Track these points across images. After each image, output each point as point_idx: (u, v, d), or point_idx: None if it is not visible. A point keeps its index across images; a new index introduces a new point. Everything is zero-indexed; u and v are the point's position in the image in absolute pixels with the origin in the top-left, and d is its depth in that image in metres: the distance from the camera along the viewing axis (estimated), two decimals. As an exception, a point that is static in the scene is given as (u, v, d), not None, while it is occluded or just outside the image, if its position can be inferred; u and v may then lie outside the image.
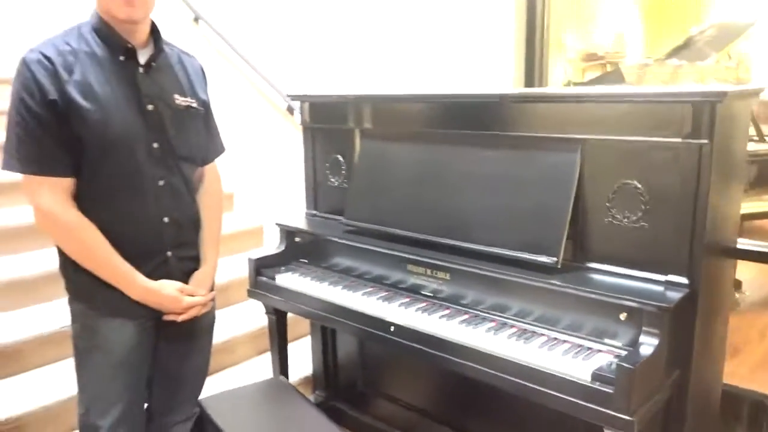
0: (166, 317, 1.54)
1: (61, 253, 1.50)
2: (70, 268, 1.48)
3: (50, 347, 2.27)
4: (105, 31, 1.43)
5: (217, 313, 1.77)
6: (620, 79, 4.73)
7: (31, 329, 2.25)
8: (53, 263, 2.45)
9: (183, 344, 1.63)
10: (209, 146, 1.69)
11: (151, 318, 1.52)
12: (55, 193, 1.39)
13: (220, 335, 2.20)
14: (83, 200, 1.43)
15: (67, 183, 1.40)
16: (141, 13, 1.43)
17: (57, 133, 1.36)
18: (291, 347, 2.24)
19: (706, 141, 1.35)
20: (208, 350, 1.73)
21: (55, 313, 2.35)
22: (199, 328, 1.64)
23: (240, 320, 2.60)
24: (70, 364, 2.21)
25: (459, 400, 1.96)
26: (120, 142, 1.42)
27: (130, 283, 1.46)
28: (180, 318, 1.55)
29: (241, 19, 3.32)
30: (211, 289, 1.65)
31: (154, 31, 1.51)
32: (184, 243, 1.58)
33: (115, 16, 1.41)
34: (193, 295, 1.56)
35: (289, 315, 2.12)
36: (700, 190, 1.38)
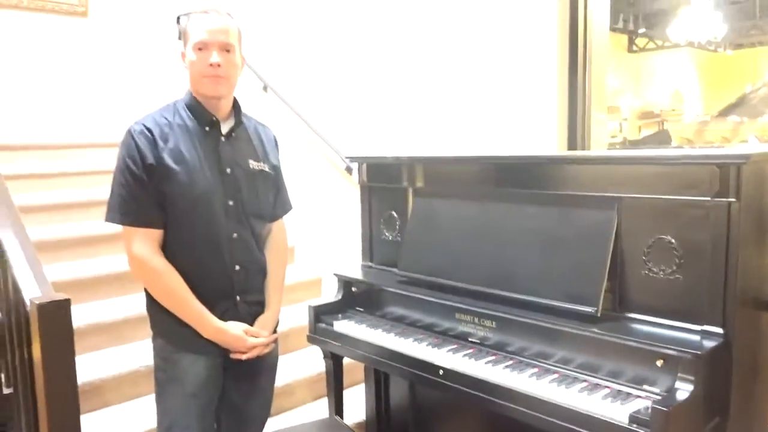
0: (233, 355, 1.70)
1: (148, 295, 1.71)
2: (155, 308, 1.69)
3: (127, 386, 2.48)
4: (195, 106, 1.69)
5: (279, 358, 1.93)
6: (667, 139, 4.81)
7: (111, 369, 2.47)
8: (132, 309, 2.72)
9: (247, 382, 1.79)
10: (277, 204, 1.88)
11: (220, 355, 1.70)
12: (146, 242, 1.62)
13: (280, 379, 2.34)
14: (169, 249, 1.65)
15: (157, 234, 1.63)
16: (225, 90, 1.69)
17: (152, 192, 1.60)
18: (345, 393, 2.37)
19: (734, 199, 1.45)
20: (270, 389, 1.89)
21: (133, 355, 2.58)
22: (262, 367, 1.81)
23: (299, 366, 2.76)
24: (144, 401, 2.43)
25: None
26: (201, 200, 1.64)
27: (203, 322, 1.65)
28: (244, 357, 1.70)
29: (304, 87, 3.63)
30: (274, 332, 1.81)
31: (236, 106, 1.77)
32: (251, 289, 1.76)
33: (204, 93, 1.67)
34: (257, 336, 1.72)
35: (345, 362, 2.27)
36: (730, 245, 1.47)
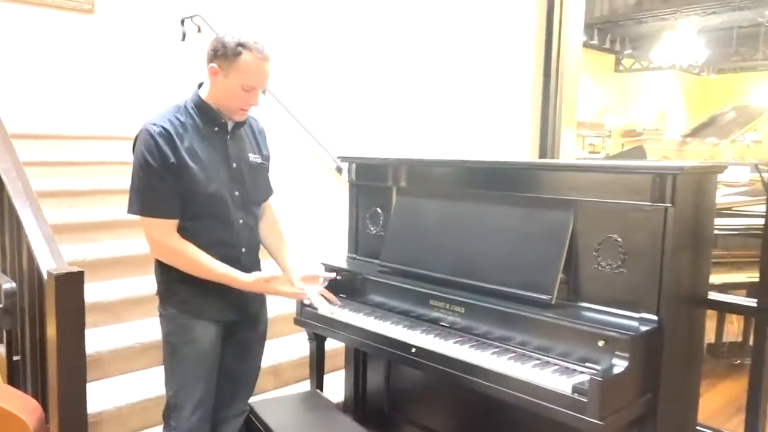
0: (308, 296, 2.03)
1: (163, 270, 1.87)
2: (171, 280, 1.86)
3: (124, 360, 2.67)
4: (204, 109, 1.85)
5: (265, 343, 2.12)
6: (642, 155, 5.09)
7: (109, 344, 2.66)
8: (130, 291, 2.91)
9: (241, 349, 2.00)
10: (266, 187, 2.08)
11: (224, 323, 1.90)
12: (164, 229, 1.80)
13: (267, 361, 2.55)
14: (189, 237, 1.82)
15: (173, 222, 1.81)
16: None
17: (172, 186, 1.77)
18: (327, 378, 2.58)
19: (670, 204, 1.69)
20: (260, 355, 2.09)
21: (129, 333, 2.77)
22: (254, 337, 2.03)
23: (285, 350, 2.96)
24: (139, 375, 2.63)
25: (474, 425, 2.24)
26: (216, 192, 1.84)
27: (234, 278, 1.83)
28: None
29: (299, 91, 3.85)
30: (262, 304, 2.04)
31: None
32: (252, 264, 1.96)
33: (229, 113, 1.87)
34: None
35: (327, 349, 2.49)
36: (666, 244, 1.70)
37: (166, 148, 1.76)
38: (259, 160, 2.00)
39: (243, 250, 1.92)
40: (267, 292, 1.98)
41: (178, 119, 1.83)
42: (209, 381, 1.88)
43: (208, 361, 1.88)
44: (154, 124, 1.78)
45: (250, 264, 1.94)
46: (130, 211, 1.81)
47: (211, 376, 1.89)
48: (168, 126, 1.79)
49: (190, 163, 1.79)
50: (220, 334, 1.90)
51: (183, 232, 1.82)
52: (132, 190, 1.81)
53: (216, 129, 1.88)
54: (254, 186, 1.97)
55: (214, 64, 1.80)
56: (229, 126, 1.91)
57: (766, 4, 7.15)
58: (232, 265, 1.86)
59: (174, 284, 1.86)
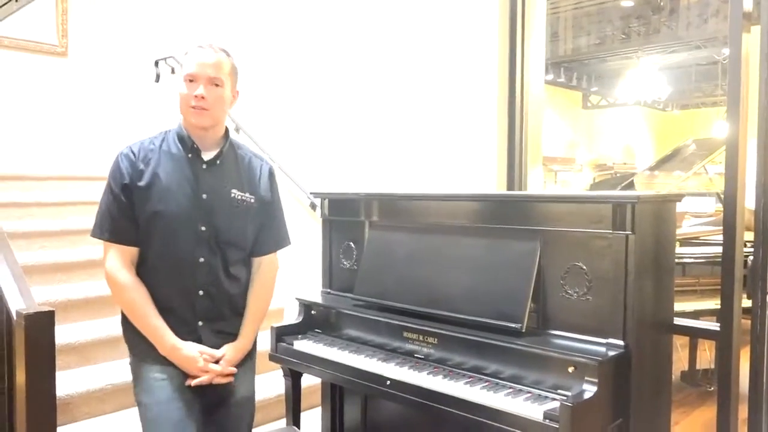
0: (186, 382, 1.74)
1: (123, 315, 1.82)
2: (126, 325, 1.82)
3: (95, 402, 2.62)
4: (182, 135, 1.82)
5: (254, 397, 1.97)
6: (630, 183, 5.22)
7: (79, 386, 2.61)
8: (100, 332, 2.87)
9: (207, 415, 1.81)
10: (267, 238, 1.94)
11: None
12: (118, 257, 1.74)
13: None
14: (141, 266, 1.78)
15: (130, 251, 1.76)
16: (208, 121, 1.79)
17: (127, 211, 1.74)
18: (304, 415, 2.56)
19: (630, 232, 1.75)
20: (247, 423, 1.92)
21: (100, 375, 2.72)
22: (227, 401, 1.84)
23: (260, 388, 2.91)
24: (110, 418, 2.58)
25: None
26: (171, 222, 1.74)
27: (160, 337, 1.73)
28: (194, 382, 1.73)
29: (272, 130, 3.90)
30: (246, 367, 1.89)
31: (226, 137, 1.88)
32: (217, 317, 1.82)
33: (188, 122, 1.81)
34: (214, 362, 1.76)
35: (305, 387, 2.47)
36: (628, 270, 1.76)
37: (125, 170, 1.75)
38: (246, 198, 1.86)
39: (200, 292, 1.79)
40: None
41: (152, 143, 1.81)
42: (185, 423, 1.73)
43: (174, 412, 1.72)
44: (127, 147, 1.80)
45: (212, 315, 1.81)
46: (92, 233, 1.80)
47: (188, 418, 1.74)
48: (136, 149, 1.79)
49: (146, 183, 1.74)
50: (182, 379, 1.76)
51: (139, 266, 1.77)
52: (96, 213, 1.80)
53: (190, 156, 1.81)
54: (228, 224, 1.82)
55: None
56: (207, 155, 1.83)
57: (721, 44, 7.50)
58: (185, 309, 1.78)
59: (130, 326, 1.80)
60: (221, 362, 1.80)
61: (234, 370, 1.83)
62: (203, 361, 1.76)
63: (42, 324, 1.91)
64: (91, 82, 5.00)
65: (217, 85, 1.78)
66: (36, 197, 3.84)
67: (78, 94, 4.94)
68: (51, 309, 1.95)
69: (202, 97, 1.75)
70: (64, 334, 2.83)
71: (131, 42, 5.01)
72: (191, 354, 1.75)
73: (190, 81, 1.77)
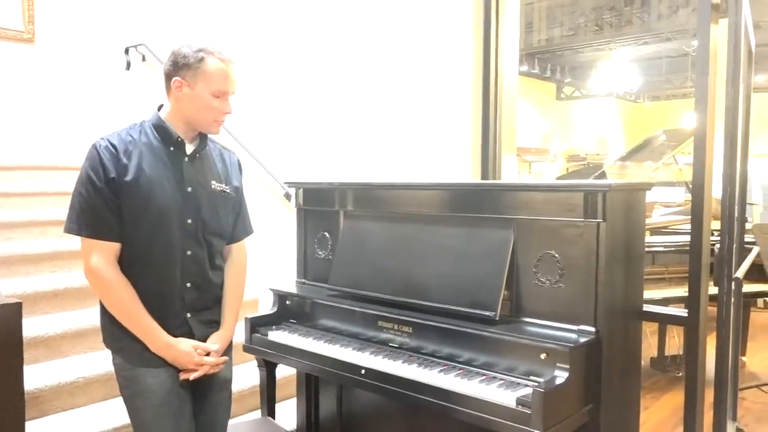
0: (182, 375, 1.75)
1: (104, 311, 1.77)
2: (110, 324, 1.75)
3: (65, 397, 2.58)
4: (162, 127, 1.76)
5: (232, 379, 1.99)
6: (600, 172, 5.29)
7: (49, 380, 2.57)
8: (70, 324, 2.82)
9: (197, 401, 1.84)
10: (239, 226, 1.96)
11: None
12: (102, 254, 1.68)
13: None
14: (125, 262, 1.72)
15: (114, 247, 1.70)
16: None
17: (111, 205, 1.67)
18: (280, 406, 2.55)
19: (601, 220, 1.77)
20: (223, 407, 1.94)
21: (71, 368, 2.68)
22: (212, 386, 1.87)
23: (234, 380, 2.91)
24: (81, 411, 2.54)
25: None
26: (158, 215, 1.71)
27: (152, 336, 1.71)
28: (192, 376, 1.74)
29: (246, 119, 3.86)
30: (228, 351, 1.88)
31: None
32: (204, 308, 1.83)
33: (206, 131, 1.82)
34: (207, 354, 1.77)
35: (280, 377, 2.47)
36: (599, 258, 1.78)
37: (108, 164, 1.67)
38: (224, 189, 1.87)
39: (188, 284, 1.78)
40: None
41: (130, 136, 1.74)
42: (179, 425, 1.75)
43: (171, 407, 1.74)
44: (103, 139, 1.72)
45: (199, 306, 1.82)
46: (67, 229, 1.70)
47: (181, 419, 1.75)
48: (116, 141, 1.71)
49: (132, 179, 1.68)
50: (175, 376, 1.77)
51: (122, 262, 1.72)
52: (71, 208, 1.70)
53: (172, 149, 1.77)
54: (214, 215, 1.84)
55: (177, 78, 1.72)
56: (189, 148, 1.81)
57: (691, 36, 7.62)
58: (173, 303, 1.77)
59: (114, 328, 1.75)
60: (212, 353, 1.81)
61: (226, 358, 1.87)
62: (197, 355, 1.77)
63: (9, 316, 1.87)
64: (59, 69, 4.87)
65: None
66: (2, 187, 3.74)
67: (46, 82, 4.81)
68: (18, 301, 1.91)
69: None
70: (32, 326, 2.77)
71: (101, 29, 4.89)
72: (186, 350, 1.76)
73: (218, 97, 1.76)
